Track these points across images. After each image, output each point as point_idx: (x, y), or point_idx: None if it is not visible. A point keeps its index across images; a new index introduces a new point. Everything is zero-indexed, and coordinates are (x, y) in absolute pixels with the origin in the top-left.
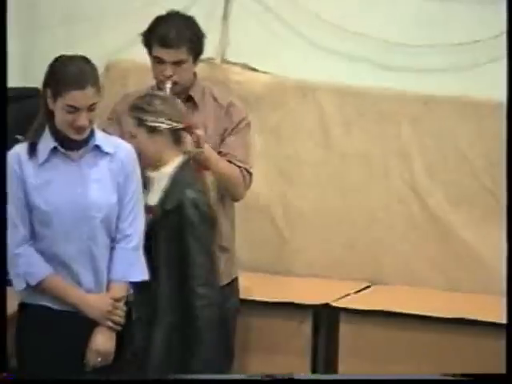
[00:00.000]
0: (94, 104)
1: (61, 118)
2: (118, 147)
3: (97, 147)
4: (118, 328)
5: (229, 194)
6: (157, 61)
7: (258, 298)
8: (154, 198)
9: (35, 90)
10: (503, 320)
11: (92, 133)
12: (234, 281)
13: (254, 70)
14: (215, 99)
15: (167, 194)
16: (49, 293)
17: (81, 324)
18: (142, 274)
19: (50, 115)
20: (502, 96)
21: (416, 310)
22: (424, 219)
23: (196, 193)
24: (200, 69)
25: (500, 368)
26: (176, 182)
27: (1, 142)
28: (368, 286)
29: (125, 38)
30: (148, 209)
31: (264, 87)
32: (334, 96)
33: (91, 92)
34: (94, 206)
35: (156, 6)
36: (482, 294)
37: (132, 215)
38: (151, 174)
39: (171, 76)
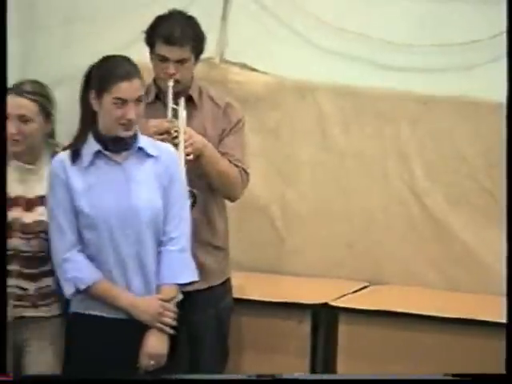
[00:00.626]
0: (140, 96)
1: (109, 114)
2: (162, 150)
3: (140, 149)
4: (170, 330)
5: (226, 193)
6: (159, 58)
7: (257, 298)
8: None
9: None
10: (503, 319)
11: (135, 135)
12: (227, 281)
13: (253, 69)
14: (212, 99)
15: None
16: (98, 298)
17: (132, 330)
18: (190, 275)
19: (93, 118)
20: (502, 96)
21: (415, 310)
22: (423, 220)
23: None
24: (199, 68)
25: (500, 368)
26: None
27: (1, 141)
28: (366, 286)
29: (123, 37)
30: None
31: (263, 87)
32: (333, 96)
33: (138, 83)
34: (140, 209)
35: (155, 5)
36: (481, 294)
37: (178, 218)
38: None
39: (174, 74)
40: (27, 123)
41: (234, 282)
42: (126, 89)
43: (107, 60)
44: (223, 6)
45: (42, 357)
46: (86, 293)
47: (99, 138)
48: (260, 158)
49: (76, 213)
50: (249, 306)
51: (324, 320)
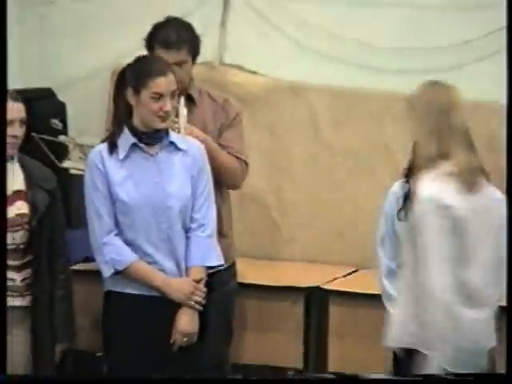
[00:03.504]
0: (174, 90)
1: (147, 108)
2: (190, 144)
3: (171, 143)
4: (200, 308)
5: (228, 183)
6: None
7: (254, 282)
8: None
9: (49, 90)
10: None
11: (167, 131)
12: (233, 265)
13: (250, 72)
14: (210, 97)
15: None
16: (135, 278)
17: (165, 308)
18: (217, 259)
19: (129, 114)
20: (479, 97)
21: None
22: None
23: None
24: (200, 71)
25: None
26: None
27: (1, 142)
28: (355, 271)
29: (129, 43)
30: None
31: (259, 88)
32: (325, 96)
33: (172, 78)
34: (171, 197)
35: (158, 14)
36: None
37: (205, 206)
38: None
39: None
40: (23, 126)
41: None
42: (162, 84)
43: (141, 59)
44: (222, 13)
45: (24, 344)
46: (123, 273)
47: (135, 132)
48: (257, 153)
49: (113, 200)
50: (247, 289)
51: (316, 302)
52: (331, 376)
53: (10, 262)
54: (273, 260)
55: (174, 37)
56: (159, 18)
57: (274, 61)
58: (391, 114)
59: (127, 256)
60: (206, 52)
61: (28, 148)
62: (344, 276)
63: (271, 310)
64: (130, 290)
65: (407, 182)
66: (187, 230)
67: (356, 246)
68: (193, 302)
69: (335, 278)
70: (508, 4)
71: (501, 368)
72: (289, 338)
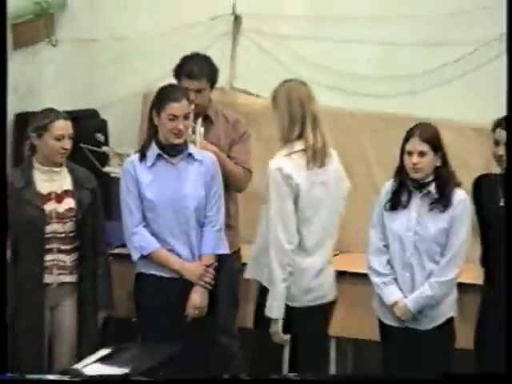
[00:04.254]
0: (188, 113)
1: (165, 126)
2: (205, 156)
3: (190, 155)
4: (209, 287)
5: (234, 187)
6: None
7: None
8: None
9: (94, 110)
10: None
11: (186, 144)
12: (238, 250)
13: (254, 95)
14: (224, 116)
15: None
16: (157, 262)
17: (181, 286)
18: (224, 248)
19: (155, 131)
20: (438, 116)
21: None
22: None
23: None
24: (215, 94)
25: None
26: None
27: (1, 143)
28: (337, 254)
29: (158, 73)
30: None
31: (261, 108)
32: None
33: (185, 103)
34: (187, 198)
35: (183, 49)
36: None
37: (216, 206)
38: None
39: (193, 100)
40: (71, 140)
41: None
42: (176, 108)
43: (163, 88)
44: (231, 49)
45: (72, 313)
46: (148, 258)
47: (160, 145)
48: (258, 160)
49: (141, 199)
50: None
51: None
52: (331, 376)
53: (62, 247)
54: None
55: (196, 69)
56: (184, 52)
57: (273, 86)
58: (368, 128)
59: (151, 244)
60: (220, 79)
61: (77, 156)
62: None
63: None
64: (154, 271)
65: (395, 181)
66: (201, 225)
67: (339, 235)
68: (203, 282)
69: None
70: (508, 5)
71: (461, 342)
72: None
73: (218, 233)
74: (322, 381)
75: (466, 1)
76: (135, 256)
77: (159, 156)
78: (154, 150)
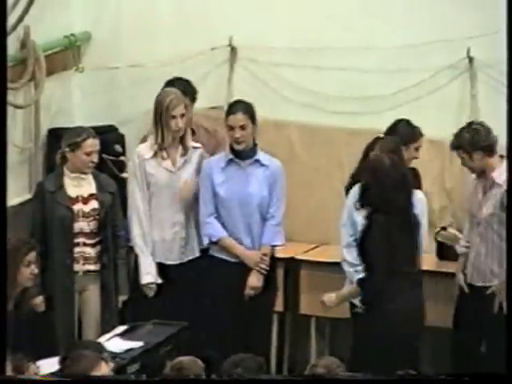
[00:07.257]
0: (243, 125)
1: (228, 135)
2: (272, 161)
3: (257, 160)
4: (265, 272)
5: None
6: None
7: None
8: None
9: (113, 126)
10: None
11: (255, 150)
12: None
13: None
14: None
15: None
16: (224, 248)
17: (241, 269)
18: (281, 241)
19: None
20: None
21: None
22: None
23: None
24: (214, 113)
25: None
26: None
27: (1, 145)
28: (318, 246)
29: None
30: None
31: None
32: (299, 130)
33: (241, 117)
34: (253, 196)
35: (186, 73)
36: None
37: (277, 204)
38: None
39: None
40: (97, 154)
41: None
42: (234, 120)
43: (231, 107)
44: (228, 74)
45: (96, 296)
46: (217, 244)
47: (232, 151)
48: None
49: (214, 195)
50: None
51: (292, 268)
52: (332, 376)
53: (87, 241)
54: None
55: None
56: (190, 76)
57: (264, 106)
58: (344, 141)
59: (220, 232)
60: (219, 100)
61: (99, 164)
62: (311, 249)
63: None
64: (221, 255)
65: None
66: (264, 220)
67: (318, 229)
68: (259, 268)
69: (305, 252)
70: (508, 5)
71: (429, 321)
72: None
73: (276, 227)
74: (322, 381)
75: (425, 33)
76: (205, 241)
77: (231, 160)
78: (227, 154)
